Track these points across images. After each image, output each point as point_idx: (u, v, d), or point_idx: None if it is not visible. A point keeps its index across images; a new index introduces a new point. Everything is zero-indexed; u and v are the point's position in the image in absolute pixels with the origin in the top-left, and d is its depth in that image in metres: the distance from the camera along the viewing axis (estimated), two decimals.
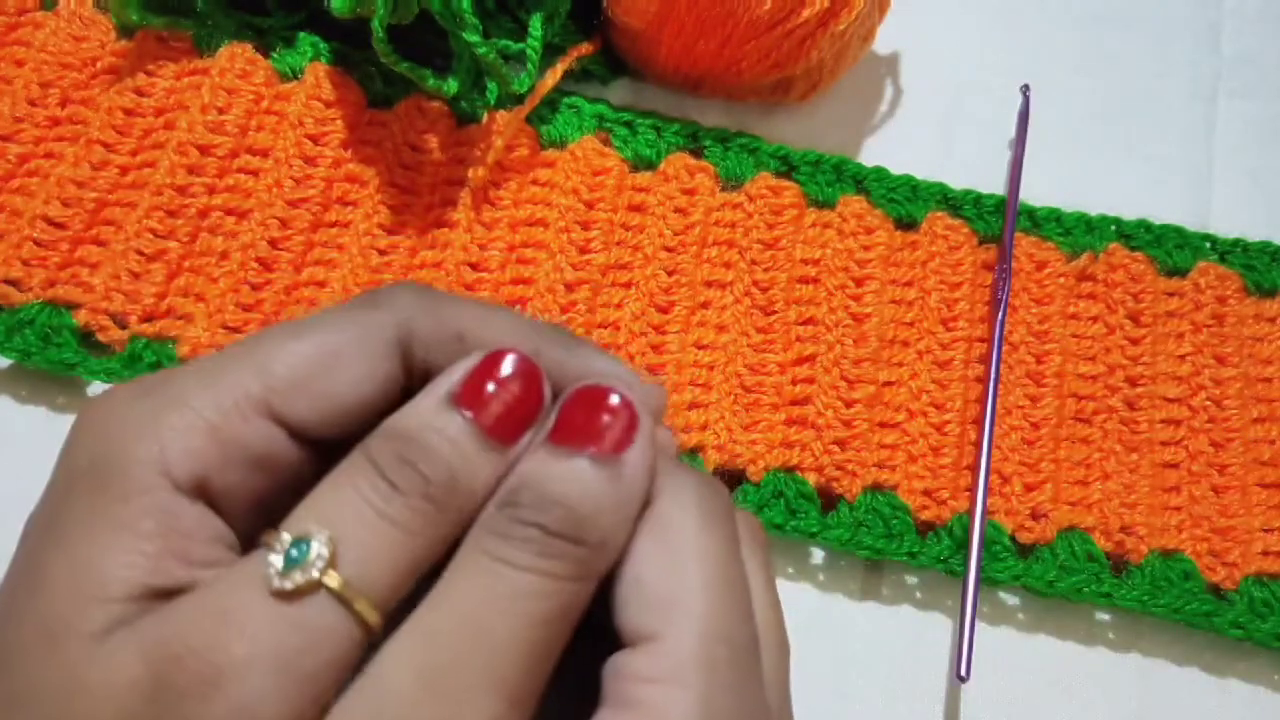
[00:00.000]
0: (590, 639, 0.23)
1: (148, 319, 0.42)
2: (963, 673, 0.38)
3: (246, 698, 0.19)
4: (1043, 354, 0.45)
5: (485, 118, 0.46)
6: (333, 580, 0.20)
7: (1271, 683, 0.42)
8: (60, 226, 0.43)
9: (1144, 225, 0.48)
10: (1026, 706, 0.41)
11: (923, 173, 0.49)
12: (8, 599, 0.22)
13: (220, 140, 0.44)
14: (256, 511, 0.23)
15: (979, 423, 0.43)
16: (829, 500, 0.42)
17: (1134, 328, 0.46)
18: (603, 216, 0.46)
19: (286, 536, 0.21)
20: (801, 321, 0.45)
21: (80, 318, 0.41)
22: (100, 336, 0.41)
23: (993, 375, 0.43)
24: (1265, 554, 0.42)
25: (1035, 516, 0.42)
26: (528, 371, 0.23)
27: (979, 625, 0.40)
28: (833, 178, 0.48)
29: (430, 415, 0.23)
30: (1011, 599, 0.42)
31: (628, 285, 0.45)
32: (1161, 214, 0.49)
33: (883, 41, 0.51)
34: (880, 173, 0.48)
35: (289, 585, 0.20)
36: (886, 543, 0.40)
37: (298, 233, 0.44)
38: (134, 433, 0.22)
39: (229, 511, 0.23)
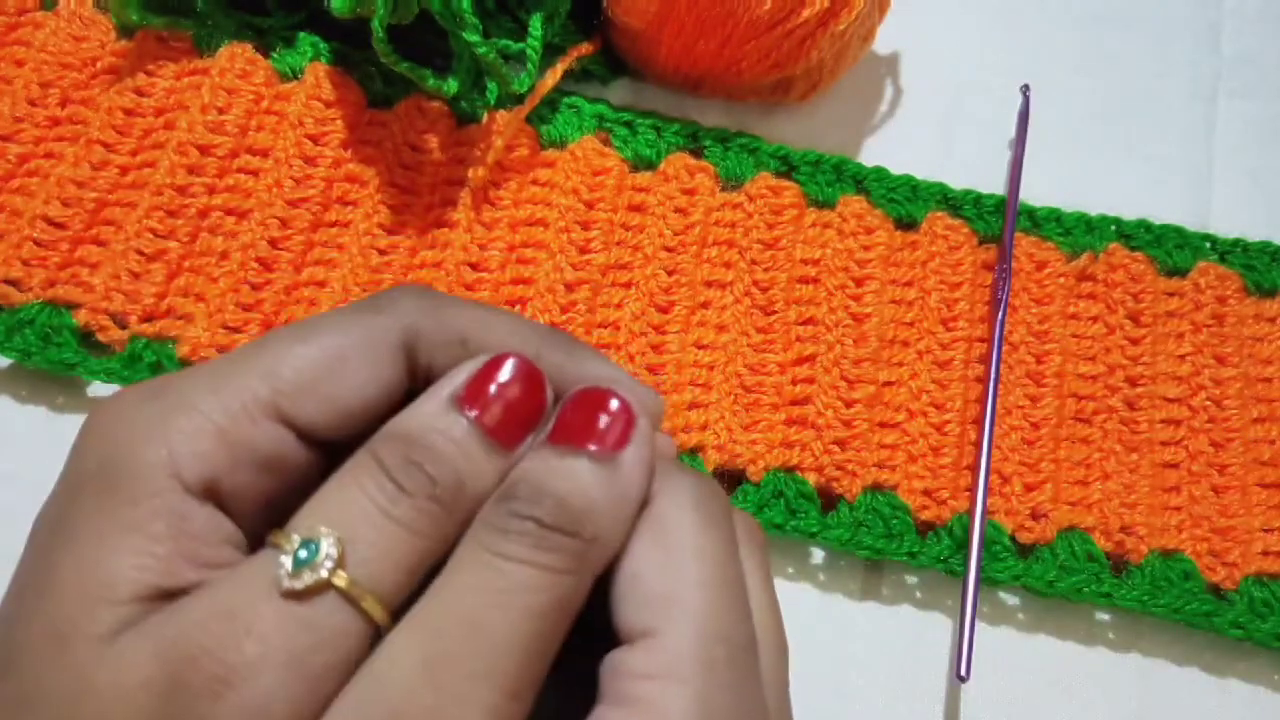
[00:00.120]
0: (589, 637, 0.23)
1: (148, 319, 0.42)
2: (963, 673, 0.38)
3: (258, 696, 0.20)
4: (1043, 354, 0.45)
5: (485, 118, 0.46)
6: (341, 580, 0.21)
7: (1271, 683, 0.42)
8: (60, 226, 0.43)
9: (1144, 225, 0.48)
10: (1026, 706, 0.41)
11: (923, 173, 0.49)
12: (15, 600, 0.22)
13: (220, 140, 0.44)
14: (264, 511, 0.23)
15: (979, 423, 0.43)
16: (829, 500, 0.42)
17: (1134, 328, 0.46)
18: (603, 216, 0.46)
19: (296, 537, 0.21)
20: (801, 321, 0.45)
21: (80, 318, 0.41)
22: (100, 336, 0.41)
23: (993, 375, 0.43)
24: (1265, 554, 0.42)
25: (1035, 516, 0.42)
26: (529, 375, 0.24)
27: (979, 625, 0.40)
28: (833, 178, 0.48)
29: (434, 417, 0.23)
30: (1011, 599, 0.42)
31: (628, 285, 0.45)
32: (1161, 214, 0.49)
33: (883, 41, 0.51)
34: (880, 173, 0.48)
35: (299, 585, 0.20)
36: (886, 543, 0.41)
37: (298, 233, 0.44)
38: (143, 436, 0.22)
39: (237, 512, 0.23)
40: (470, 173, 0.46)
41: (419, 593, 0.22)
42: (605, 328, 0.44)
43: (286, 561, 0.21)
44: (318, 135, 0.45)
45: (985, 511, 0.41)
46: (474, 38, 0.42)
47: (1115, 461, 0.43)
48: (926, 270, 0.46)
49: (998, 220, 0.48)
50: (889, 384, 0.44)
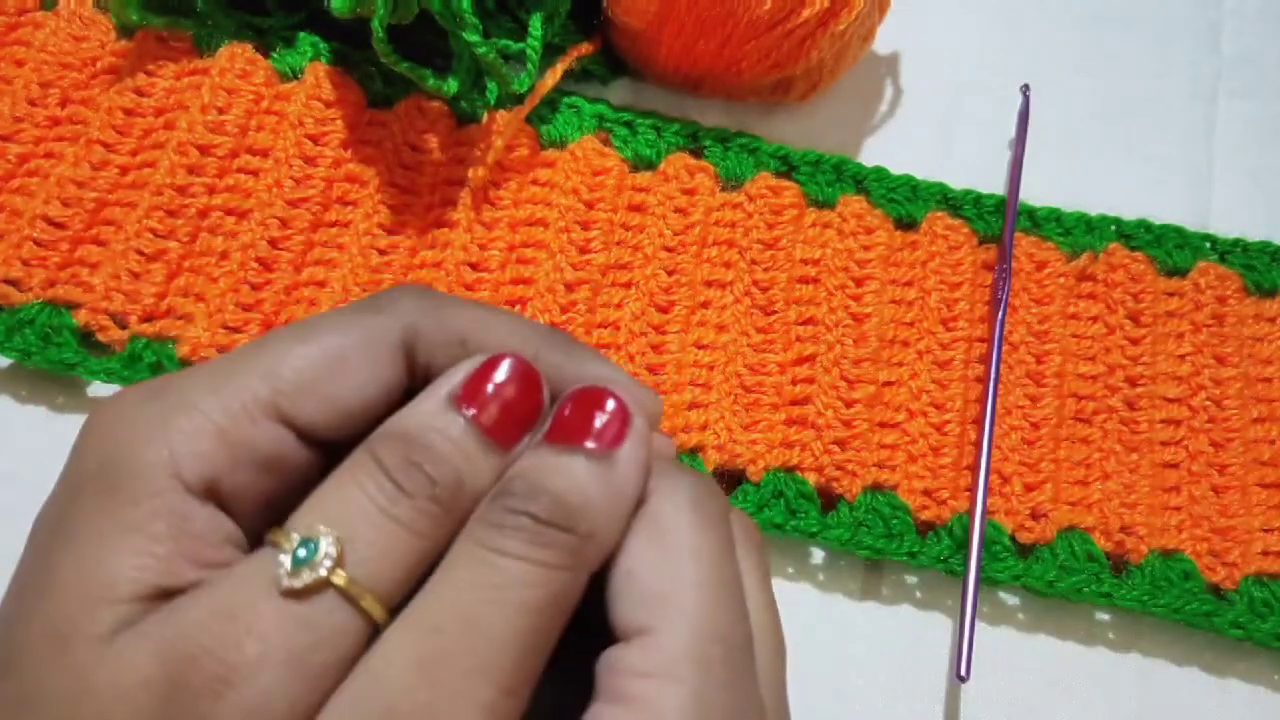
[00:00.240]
0: (585, 634, 0.23)
1: (148, 319, 0.42)
2: (963, 673, 0.38)
3: (258, 695, 0.20)
4: (1043, 354, 0.45)
5: (485, 118, 0.46)
6: (340, 579, 0.21)
7: (1271, 683, 0.42)
8: (60, 226, 0.43)
9: (1144, 225, 0.48)
10: (1026, 706, 0.41)
11: (923, 173, 0.49)
12: (15, 600, 0.22)
13: (220, 140, 0.44)
14: (264, 511, 0.23)
15: (979, 423, 0.43)
16: (829, 500, 0.42)
17: (1134, 328, 0.46)
18: (603, 216, 0.46)
19: (295, 536, 0.21)
20: (801, 321, 0.45)
21: (80, 318, 0.41)
22: (100, 336, 0.41)
23: (993, 375, 0.43)
24: (1265, 554, 0.42)
25: (1035, 516, 0.42)
26: (526, 375, 0.24)
27: (979, 625, 0.40)
28: (833, 178, 0.48)
29: (432, 416, 0.23)
30: (1011, 599, 0.42)
31: (628, 285, 0.45)
32: (1161, 214, 0.49)
33: (883, 41, 0.51)
34: (880, 173, 0.48)
35: (298, 584, 0.20)
36: (886, 543, 0.41)
37: (298, 233, 0.44)
38: (143, 436, 0.22)
39: (238, 512, 0.23)
40: (470, 173, 0.46)
41: (417, 591, 0.22)
42: (605, 328, 0.44)
43: (286, 560, 0.21)
44: (318, 135, 0.45)
45: (985, 511, 0.41)
46: (474, 38, 0.42)
47: (1115, 461, 0.43)
48: (926, 270, 0.46)
49: (998, 220, 0.48)
50: (889, 384, 0.44)
